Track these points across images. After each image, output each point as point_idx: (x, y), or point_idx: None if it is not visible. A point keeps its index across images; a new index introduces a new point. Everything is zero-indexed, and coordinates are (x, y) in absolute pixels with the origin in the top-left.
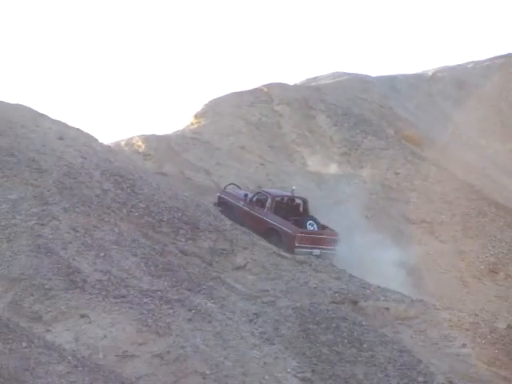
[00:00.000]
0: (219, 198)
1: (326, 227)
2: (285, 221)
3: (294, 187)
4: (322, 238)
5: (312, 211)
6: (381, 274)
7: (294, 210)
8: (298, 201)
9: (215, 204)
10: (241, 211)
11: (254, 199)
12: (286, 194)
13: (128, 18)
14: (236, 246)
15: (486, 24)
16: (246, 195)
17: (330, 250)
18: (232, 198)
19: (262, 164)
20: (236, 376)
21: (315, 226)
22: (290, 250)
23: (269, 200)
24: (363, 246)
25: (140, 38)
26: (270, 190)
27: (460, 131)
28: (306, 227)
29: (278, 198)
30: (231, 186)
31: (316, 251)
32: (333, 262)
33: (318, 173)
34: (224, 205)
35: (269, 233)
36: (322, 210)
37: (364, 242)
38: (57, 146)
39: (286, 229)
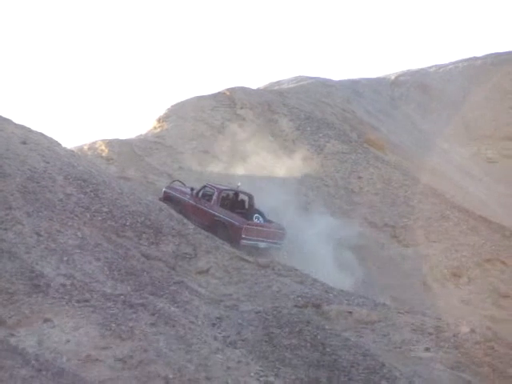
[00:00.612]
0: (165, 192)
1: (272, 221)
2: (231, 213)
3: (239, 183)
4: (269, 230)
5: (276, 215)
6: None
7: (239, 204)
8: (243, 196)
9: (160, 199)
10: (187, 205)
11: (200, 193)
12: (231, 188)
13: (94, 23)
14: (199, 250)
15: (448, 28)
16: (192, 189)
17: (276, 243)
18: (178, 192)
19: (225, 168)
20: (199, 380)
21: (261, 219)
22: (237, 241)
23: (215, 193)
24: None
25: (103, 42)
26: (216, 185)
27: (423, 135)
28: (252, 220)
29: (224, 193)
30: (176, 182)
31: (262, 244)
32: (278, 255)
33: (280, 177)
34: (170, 199)
35: (215, 225)
36: (285, 214)
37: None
38: (20, 150)
39: (232, 221)
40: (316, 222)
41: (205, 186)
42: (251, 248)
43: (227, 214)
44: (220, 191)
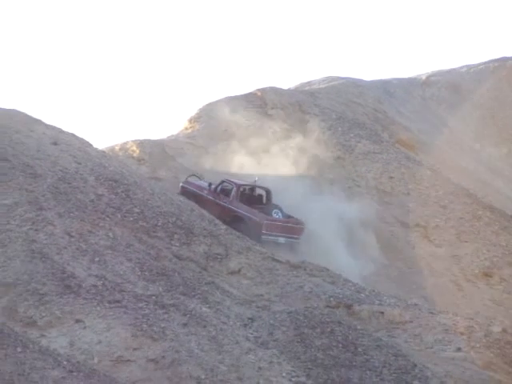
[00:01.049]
0: (182, 188)
1: (292, 216)
2: (251, 209)
3: (256, 178)
4: (288, 226)
5: (306, 215)
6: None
7: (257, 199)
8: (261, 191)
9: (177, 194)
10: (205, 200)
11: (219, 188)
12: (250, 183)
13: (122, 24)
14: (230, 250)
15: (480, 28)
16: (210, 184)
17: (295, 238)
18: (196, 187)
19: (256, 168)
20: (231, 380)
21: (280, 214)
22: (257, 237)
23: (234, 189)
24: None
25: (135, 44)
26: (234, 180)
27: (454, 135)
28: (271, 215)
29: (243, 188)
30: (193, 176)
31: (281, 239)
32: (297, 250)
33: (312, 177)
34: (187, 194)
35: (235, 221)
36: (316, 214)
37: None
38: (51, 151)
39: (253, 216)
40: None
41: (223, 182)
42: (271, 243)
43: (247, 210)
44: (239, 186)
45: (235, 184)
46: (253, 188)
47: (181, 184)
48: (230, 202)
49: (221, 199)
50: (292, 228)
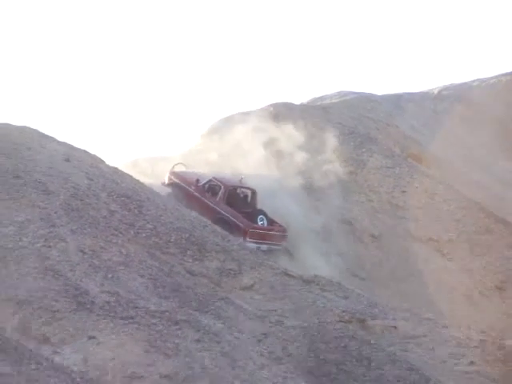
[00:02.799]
0: (169, 178)
1: (275, 222)
2: (237, 213)
3: (242, 176)
4: (272, 234)
5: (318, 230)
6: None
7: (243, 200)
8: (247, 191)
9: (163, 183)
10: (191, 196)
11: (206, 186)
12: (238, 183)
13: (131, 37)
14: (243, 265)
15: (491, 41)
16: (197, 181)
17: (278, 245)
18: (183, 181)
19: (267, 183)
20: None
21: (265, 221)
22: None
23: (222, 189)
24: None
25: (145, 60)
26: (223, 179)
27: (467, 149)
28: (256, 222)
29: (231, 188)
30: (180, 165)
31: (264, 246)
32: (278, 256)
33: (324, 191)
34: (174, 186)
35: (220, 222)
36: (327, 229)
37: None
38: (63, 167)
39: (238, 222)
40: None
41: (211, 180)
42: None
43: (233, 214)
44: (227, 188)
45: (223, 185)
46: (239, 188)
47: (167, 174)
48: (217, 202)
49: (207, 198)
50: (275, 235)
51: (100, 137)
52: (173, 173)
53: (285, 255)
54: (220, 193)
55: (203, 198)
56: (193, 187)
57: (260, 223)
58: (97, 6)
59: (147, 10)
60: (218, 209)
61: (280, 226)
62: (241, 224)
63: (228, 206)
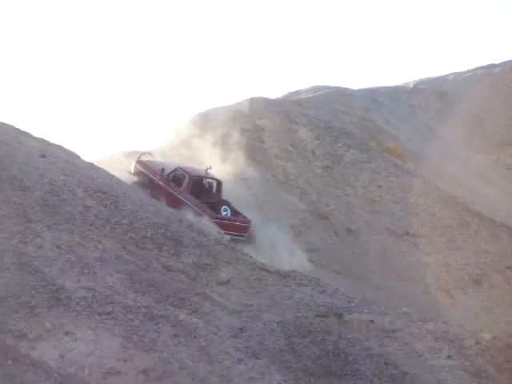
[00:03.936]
0: (135, 167)
1: (239, 213)
2: (201, 203)
3: (208, 166)
4: (235, 224)
5: (294, 226)
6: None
7: (208, 190)
8: (212, 181)
9: (129, 172)
10: (156, 185)
11: (171, 176)
12: (202, 173)
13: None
14: (220, 260)
15: (467, 35)
16: (163, 170)
17: (241, 236)
18: (149, 170)
19: (245, 178)
20: None
21: (229, 211)
22: None
23: (186, 179)
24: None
25: (124, 55)
26: (188, 169)
27: (442, 143)
28: (220, 212)
29: (196, 178)
30: (146, 155)
31: (227, 237)
32: (241, 246)
33: (300, 186)
34: (140, 175)
35: (183, 210)
36: (304, 223)
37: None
38: (39, 163)
39: (202, 213)
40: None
41: (176, 169)
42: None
43: (197, 204)
44: (191, 178)
45: (188, 175)
46: (204, 178)
47: (134, 163)
48: (181, 192)
49: (172, 187)
50: (238, 226)
51: (76, 132)
52: (139, 162)
53: (259, 250)
54: (184, 182)
55: (168, 188)
56: (158, 176)
57: (224, 214)
58: None
59: (120, 2)
60: (183, 199)
61: (244, 217)
62: (205, 215)
63: (192, 196)
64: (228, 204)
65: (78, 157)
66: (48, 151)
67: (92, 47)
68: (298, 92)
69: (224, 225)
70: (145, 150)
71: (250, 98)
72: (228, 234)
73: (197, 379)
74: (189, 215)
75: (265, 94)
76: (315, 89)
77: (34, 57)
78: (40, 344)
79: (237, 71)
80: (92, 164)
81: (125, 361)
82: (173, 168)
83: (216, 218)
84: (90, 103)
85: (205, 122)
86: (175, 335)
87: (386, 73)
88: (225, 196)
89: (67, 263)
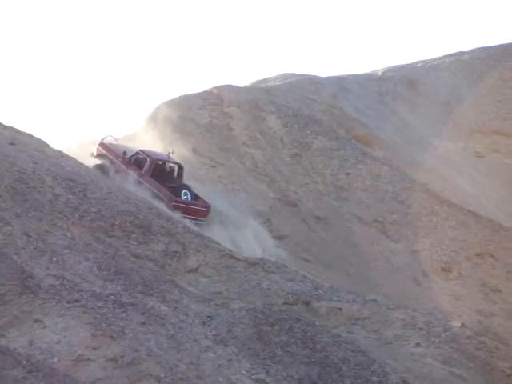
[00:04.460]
0: (98, 150)
1: (199, 198)
2: (161, 187)
3: (171, 150)
4: (194, 208)
5: (263, 213)
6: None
7: (169, 174)
8: (174, 166)
9: (92, 155)
10: (118, 168)
11: (133, 159)
12: (164, 158)
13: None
14: (188, 248)
15: (435, 22)
16: (124, 153)
17: (200, 220)
18: (111, 152)
19: (214, 166)
20: (190, 379)
21: (189, 195)
22: None
23: (147, 162)
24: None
25: (92, 41)
26: (149, 153)
27: (411, 130)
28: (180, 196)
29: (157, 162)
30: (109, 137)
31: (186, 221)
32: (200, 231)
33: (268, 174)
34: (101, 157)
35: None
36: (272, 211)
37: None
38: (8, 151)
39: (161, 195)
40: None
41: (137, 153)
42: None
43: (157, 187)
44: (152, 161)
45: (149, 158)
46: (166, 162)
47: (97, 146)
48: (142, 175)
49: (133, 170)
50: (198, 210)
51: (46, 120)
52: (101, 144)
53: (227, 238)
54: (146, 166)
55: (129, 170)
56: (119, 159)
57: (184, 198)
58: None
59: None
60: (143, 181)
61: (204, 201)
62: (164, 197)
63: (153, 179)
64: (189, 188)
65: (47, 145)
66: (17, 139)
67: (64, 34)
68: (266, 80)
69: (183, 208)
70: (108, 134)
71: (219, 86)
72: (187, 217)
73: (165, 367)
74: (147, 198)
75: (233, 81)
76: (284, 76)
77: (1, 42)
78: (9, 331)
79: (206, 58)
80: (61, 152)
81: (93, 348)
82: (134, 151)
83: (175, 202)
84: (60, 91)
85: (173, 110)
86: (144, 323)
87: (355, 60)
88: (194, 185)
89: (36, 251)
